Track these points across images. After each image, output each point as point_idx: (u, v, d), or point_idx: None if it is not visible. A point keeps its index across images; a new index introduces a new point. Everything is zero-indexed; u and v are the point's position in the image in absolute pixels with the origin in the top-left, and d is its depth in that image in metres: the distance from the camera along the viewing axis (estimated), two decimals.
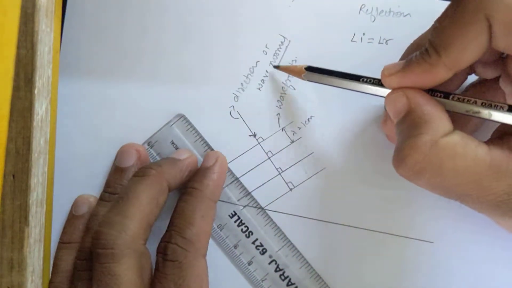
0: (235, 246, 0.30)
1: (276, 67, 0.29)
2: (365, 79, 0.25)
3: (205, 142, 0.30)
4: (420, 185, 0.23)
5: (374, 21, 0.30)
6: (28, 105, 0.26)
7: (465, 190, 0.22)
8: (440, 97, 0.23)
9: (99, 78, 0.31)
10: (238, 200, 0.30)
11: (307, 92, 0.30)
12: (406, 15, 0.30)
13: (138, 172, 0.28)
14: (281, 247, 0.30)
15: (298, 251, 0.30)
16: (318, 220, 0.30)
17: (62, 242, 0.29)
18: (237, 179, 0.30)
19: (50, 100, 0.28)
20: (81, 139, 0.31)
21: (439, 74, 0.22)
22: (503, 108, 0.22)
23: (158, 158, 0.30)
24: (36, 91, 0.26)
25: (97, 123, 0.31)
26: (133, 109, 0.31)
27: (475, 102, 0.22)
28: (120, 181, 0.29)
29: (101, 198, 0.29)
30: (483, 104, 0.22)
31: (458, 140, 0.22)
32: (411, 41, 0.27)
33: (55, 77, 0.29)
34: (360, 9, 0.30)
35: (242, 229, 0.30)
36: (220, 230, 0.30)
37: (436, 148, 0.21)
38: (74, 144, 0.31)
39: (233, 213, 0.30)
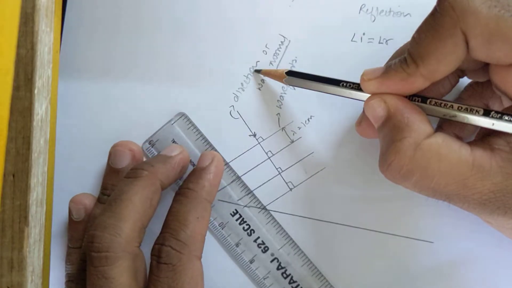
0: (237, 245, 0.30)
1: (258, 71, 0.29)
2: (344, 84, 0.26)
3: (206, 140, 0.30)
4: (408, 187, 0.23)
5: (374, 21, 0.30)
6: (28, 105, 0.26)
7: (452, 190, 0.22)
8: (418, 101, 0.24)
9: (99, 78, 0.31)
10: (240, 199, 0.30)
11: (307, 92, 0.30)
12: (406, 15, 0.30)
13: (130, 173, 0.27)
14: (283, 245, 0.30)
15: (300, 249, 0.30)
16: (318, 220, 0.30)
17: (71, 247, 0.29)
18: (238, 177, 0.30)
19: (50, 100, 0.28)
20: (81, 139, 0.31)
21: (416, 83, 0.23)
22: (478, 112, 0.22)
23: None
24: (36, 91, 0.26)
25: (97, 122, 0.31)
26: (133, 109, 0.31)
27: (452, 106, 0.23)
28: (117, 182, 0.28)
29: (99, 201, 0.29)
30: (459, 108, 0.23)
31: (440, 141, 0.22)
32: None
33: (55, 77, 0.29)
34: (360, 9, 0.30)
35: (243, 227, 0.30)
36: (222, 229, 0.30)
37: (420, 151, 0.22)
38: (74, 144, 0.31)
39: (235, 212, 0.30)
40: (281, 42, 0.30)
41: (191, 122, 0.30)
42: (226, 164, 0.30)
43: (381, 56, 0.29)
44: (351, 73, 0.30)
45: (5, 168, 0.26)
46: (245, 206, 0.30)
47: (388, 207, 0.29)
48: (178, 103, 0.30)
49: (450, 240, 0.29)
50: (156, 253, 0.26)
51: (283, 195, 0.30)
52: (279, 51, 0.30)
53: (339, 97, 0.27)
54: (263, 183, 0.30)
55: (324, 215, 0.30)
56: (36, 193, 0.27)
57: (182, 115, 0.30)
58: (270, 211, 0.30)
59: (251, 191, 0.30)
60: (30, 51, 0.26)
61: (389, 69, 0.23)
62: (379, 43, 0.30)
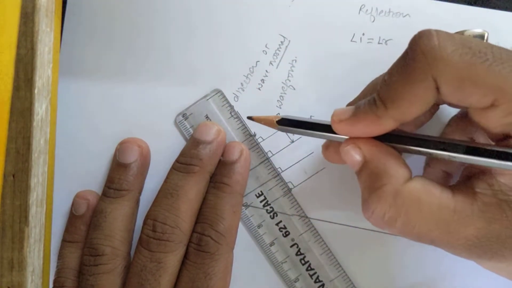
0: (259, 226, 0.30)
1: (249, 118, 0.27)
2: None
3: (239, 119, 0.30)
4: (394, 232, 0.23)
5: (373, 21, 0.30)
6: (28, 105, 0.26)
7: (436, 236, 0.22)
8: (394, 141, 0.23)
9: (99, 78, 0.31)
10: (267, 182, 0.30)
11: (307, 92, 0.30)
12: (405, 16, 0.30)
13: (181, 167, 0.28)
14: (304, 231, 0.30)
15: (321, 237, 0.30)
16: (318, 220, 0.30)
17: (65, 241, 0.30)
18: (267, 159, 0.30)
19: (50, 100, 0.28)
20: (81, 139, 0.31)
21: (385, 125, 0.22)
22: (454, 150, 0.22)
23: (191, 130, 0.30)
24: (36, 91, 0.26)
25: (97, 122, 0.31)
26: (133, 109, 0.31)
27: (429, 145, 0.22)
28: (125, 177, 0.29)
29: (105, 194, 0.29)
30: (435, 145, 0.22)
31: (419, 187, 0.22)
32: None
33: (55, 77, 0.29)
34: (360, 9, 0.30)
35: (267, 210, 0.30)
36: (246, 209, 0.30)
37: (400, 198, 0.22)
38: (74, 143, 0.31)
39: (260, 193, 0.30)
40: (281, 42, 0.30)
41: (226, 99, 0.30)
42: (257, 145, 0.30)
43: (380, 57, 0.29)
44: (350, 74, 0.30)
45: (5, 168, 0.26)
46: (270, 188, 0.30)
47: None
48: (177, 103, 0.30)
49: None
50: (196, 241, 0.28)
51: None
52: (279, 51, 0.30)
53: (338, 98, 0.27)
54: (262, 184, 0.30)
55: (324, 215, 0.30)
56: (36, 193, 0.27)
57: (218, 91, 0.30)
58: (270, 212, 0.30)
59: (278, 174, 0.30)
60: (30, 51, 0.26)
61: (358, 111, 0.23)
62: (379, 43, 0.30)
